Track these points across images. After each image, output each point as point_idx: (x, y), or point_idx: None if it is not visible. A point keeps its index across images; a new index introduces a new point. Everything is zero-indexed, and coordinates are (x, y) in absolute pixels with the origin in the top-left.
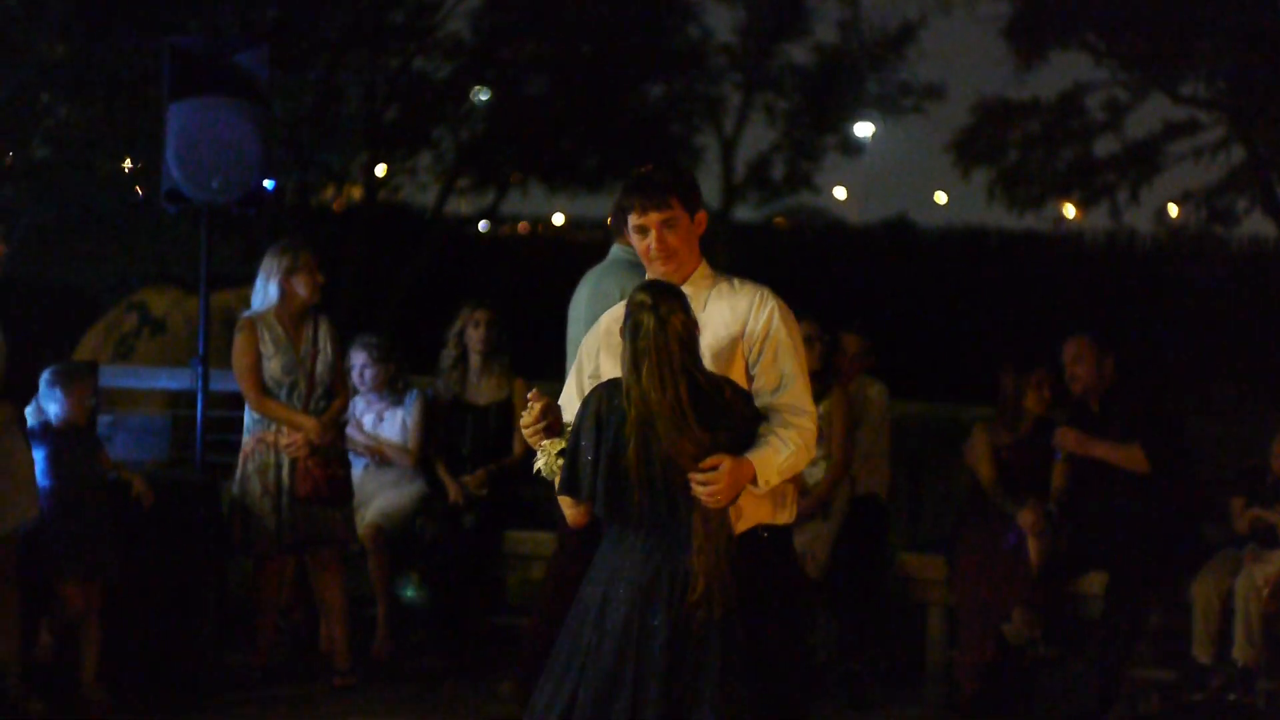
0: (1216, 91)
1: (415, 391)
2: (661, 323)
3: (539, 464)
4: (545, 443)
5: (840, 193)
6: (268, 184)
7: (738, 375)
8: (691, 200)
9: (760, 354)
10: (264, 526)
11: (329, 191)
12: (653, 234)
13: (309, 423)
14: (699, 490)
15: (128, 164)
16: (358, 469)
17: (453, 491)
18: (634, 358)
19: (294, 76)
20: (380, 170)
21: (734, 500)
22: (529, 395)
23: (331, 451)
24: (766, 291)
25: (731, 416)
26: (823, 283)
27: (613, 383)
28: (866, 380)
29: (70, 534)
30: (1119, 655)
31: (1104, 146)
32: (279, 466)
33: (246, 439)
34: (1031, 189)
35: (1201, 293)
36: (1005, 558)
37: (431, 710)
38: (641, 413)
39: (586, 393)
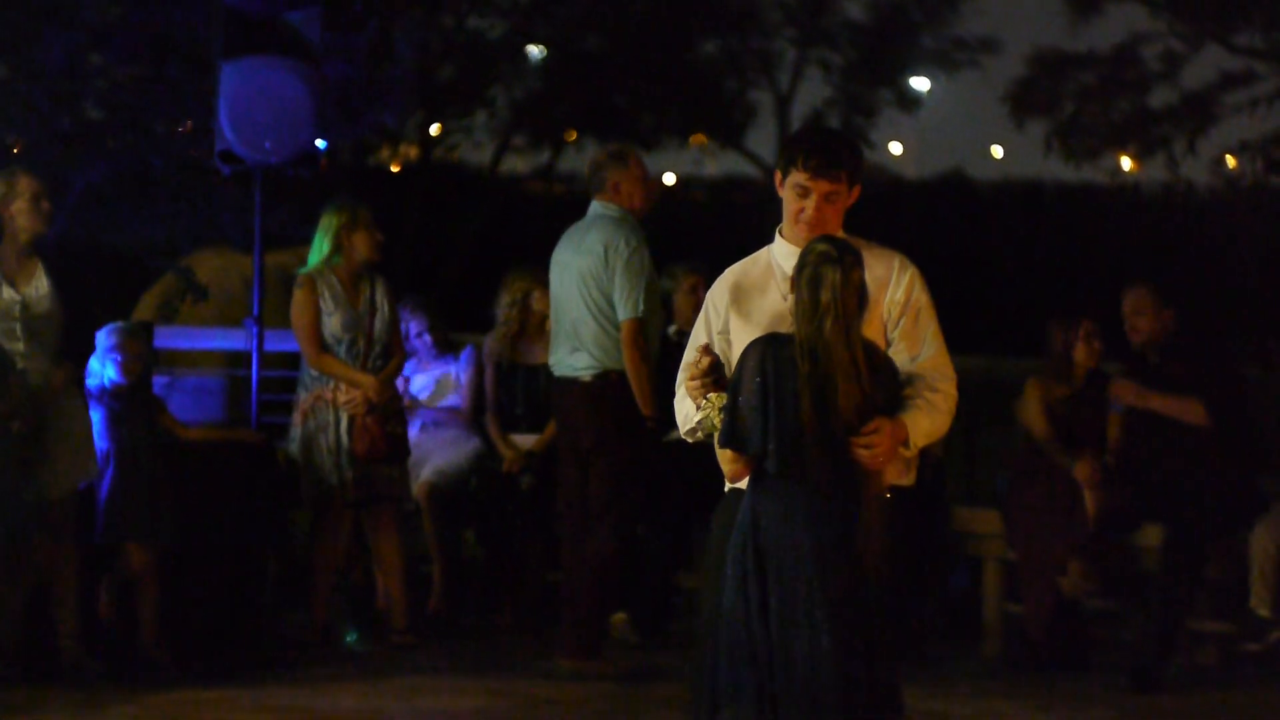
0: (1273, 42)
1: (470, 349)
2: (846, 277)
3: (699, 417)
4: (711, 396)
5: (896, 148)
6: (320, 144)
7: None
8: (856, 175)
9: (900, 320)
10: (324, 484)
11: (385, 151)
12: (813, 200)
13: (367, 380)
14: (861, 452)
15: (181, 126)
16: (413, 429)
17: (508, 460)
18: (815, 310)
19: (346, 36)
20: (434, 129)
21: (889, 462)
22: (698, 347)
23: (389, 409)
24: (904, 258)
25: (888, 377)
26: (879, 238)
27: (777, 336)
28: None
29: (127, 496)
30: (1176, 608)
31: (1160, 98)
32: (338, 424)
33: (305, 396)
34: (1087, 141)
35: (1259, 244)
36: (1061, 511)
37: (488, 668)
38: (822, 366)
39: (716, 346)
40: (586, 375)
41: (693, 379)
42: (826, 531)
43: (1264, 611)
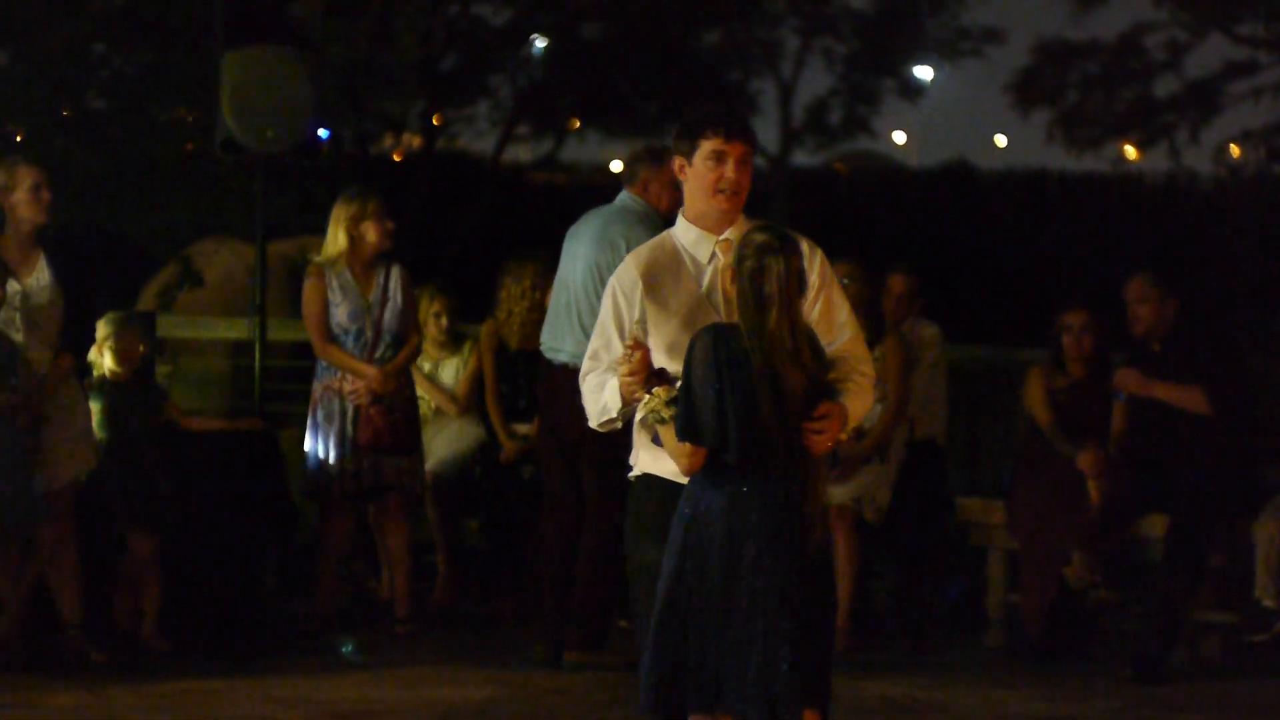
0: (1275, 31)
1: (470, 343)
2: (788, 266)
3: (642, 413)
4: (657, 389)
5: (899, 137)
6: (322, 133)
7: None
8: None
9: (816, 304)
10: (330, 473)
11: (388, 140)
12: (731, 164)
13: (370, 371)
14: (814, 437)
15: (184, 114)
16: None
17: (508, 449)
18: (759, 302)
19: (348, 22)
20: (437, 118)
21: (833, 445)
22: (627, 343)
23: (395, 399)
24: (811, 241)
25: (825, 362)
26: (882, 227)
27: (725, 326)
28: (920, 322)
29: (127, 486)
30: (1180, 598)
31: (1163, 87)
32: (344, 414)
33: (316, 385)
34: (1091, 130)
35: (1262, 233)
36: (1065, 501)
37: (491, 657)
38: (771, 357)
39: (632, 337)
40: (578, 363)
41: (631, 374)
42: (780, 518)
43: (1269, 602)
